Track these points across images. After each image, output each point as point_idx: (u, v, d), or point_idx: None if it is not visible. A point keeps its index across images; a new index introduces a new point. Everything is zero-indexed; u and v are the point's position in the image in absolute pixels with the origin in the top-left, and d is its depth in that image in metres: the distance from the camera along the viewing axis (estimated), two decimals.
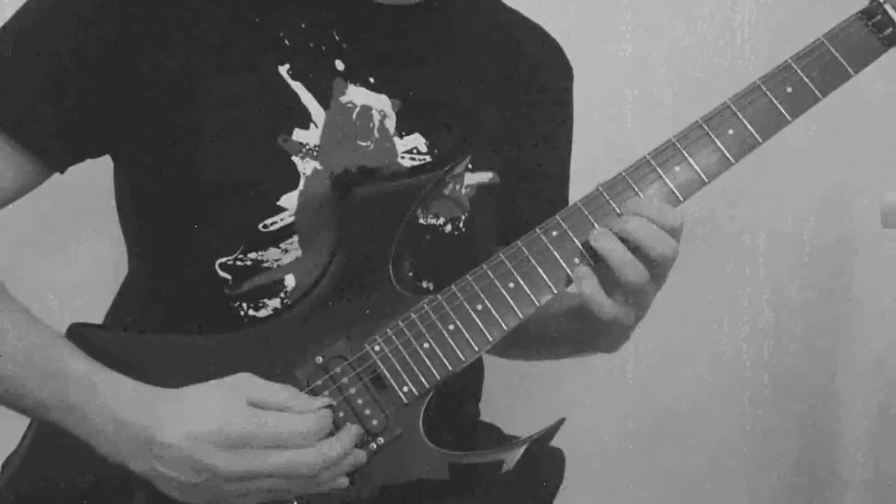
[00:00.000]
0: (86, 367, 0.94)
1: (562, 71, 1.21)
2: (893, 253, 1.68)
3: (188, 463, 0.90)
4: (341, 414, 0.97)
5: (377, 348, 0.98)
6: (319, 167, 1.02)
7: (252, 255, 1.01)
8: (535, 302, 0.98)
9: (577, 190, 1.21)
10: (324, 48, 1.04)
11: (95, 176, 1.10)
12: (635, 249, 0.95)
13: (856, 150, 1.66)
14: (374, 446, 0.97)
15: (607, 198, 0.99)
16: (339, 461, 0.94)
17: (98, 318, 1.11)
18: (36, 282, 1.33)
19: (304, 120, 1.02)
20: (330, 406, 0.95)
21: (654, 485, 1.74)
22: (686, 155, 1.00)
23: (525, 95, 1.15)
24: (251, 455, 0.90)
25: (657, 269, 0.97)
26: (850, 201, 1.70)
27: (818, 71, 1.01)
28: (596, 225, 0.98)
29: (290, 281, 1.02)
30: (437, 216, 1.06)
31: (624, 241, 0.96)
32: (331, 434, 0.94)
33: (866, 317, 1.75)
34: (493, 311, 0.98)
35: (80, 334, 0.98)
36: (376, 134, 1.05)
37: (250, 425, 0.91)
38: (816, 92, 1.01)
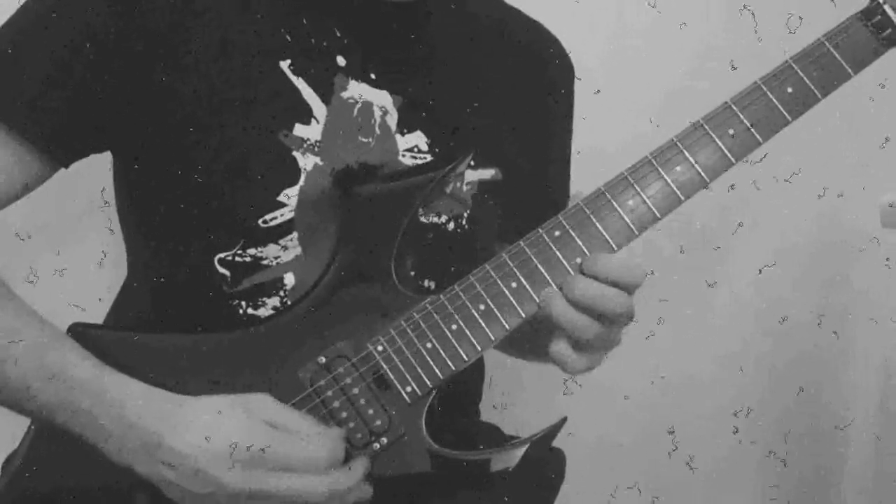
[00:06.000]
0: (93, 369, 0.93)
1: (563, 68, 1.21)
2: (893, 252, 1.68)
3: (196, 474, 0.90)
4: (344, 414, 0.97)
5: (380, 348, 0.98)
6: (320, 163, 1.01)
7: (251, 251, 1.01)
8: (538, 302, 0.99)
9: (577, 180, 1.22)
10: (325, 44, 1.04)
11: (96, 175, 1.10)
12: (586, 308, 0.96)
13: (855, 149, 1.67)
14: (378, 446, 0.97)
15: (609, 197, 0.99)
16: (346, 494, 0.94)
17: (98, 318, 1.10)
18: (36, 281, 1.32)
19: (306, 115, 1.02)
20: (346, 431, 0.96)
21: (655, 485, 1.74)
22: (687, 155, 1.00)
23: (527, 92, 1.15)
24: (261, 475, 0.90)
25: (613, 322, 0.97)
26: (850, 201, 1.70)
27: (818, 71, 1.01)
28: (598, 225, 0.99)
29: (289, 279, 1.01)
30: (438, 214, 1.06)
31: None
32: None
33: (866, 316, 1.76)
34: (496, 311, 0.98)
35: (81, 334, 0.97)
36: (377, 130, 1.05)
37: (265, 444, 0.90)
38: (816, 92, 1.01)
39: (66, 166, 1.03)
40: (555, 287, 0.98)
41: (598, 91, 1.24)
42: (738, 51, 1.58)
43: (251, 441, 0.90)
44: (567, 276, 0.97)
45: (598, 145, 1.24)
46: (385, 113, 1.05)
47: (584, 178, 1.20)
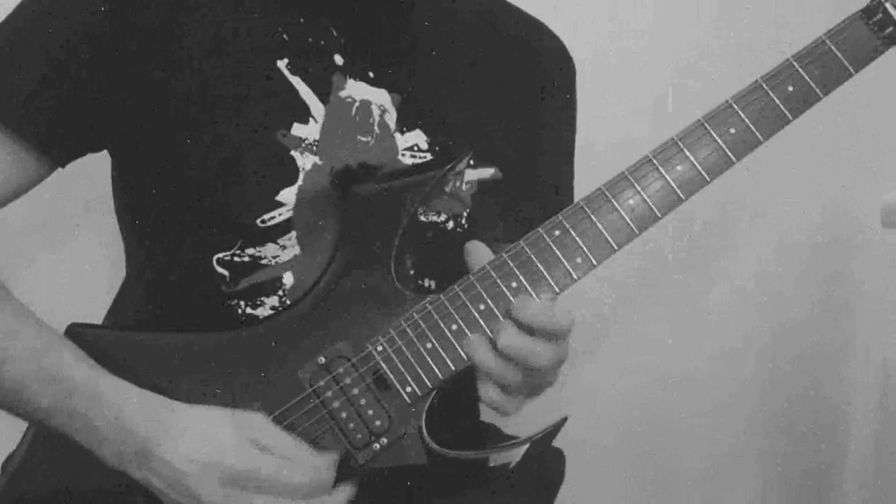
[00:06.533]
0: (90, 373, 0.93)
1: (564, 65, 1.20)
2: (893, 252, 1.68)
3: (178, 484, 0.90)
4: (344, 415, 0.97)
5: (380, 348, 0.98)
6: (319, 162, 1.01)
7: (250, 251, 1.00)
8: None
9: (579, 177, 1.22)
10: (322, 42, 1.04)
11: (95, 176, 1.10)
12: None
13: (856, 149, 1.67)
14: (378, 447, 0.97)
15: (609, 197, 0.99)
16: None
17: (98, 318, 1.10)
18: (35, 282, 1.33)
19: (303, 115, 1.01)
20: (337, 458, 0.95)
21: (655, 484, 1.74)
22: (688, 154, 1.00)
23: (527, 90, 1.15)
24: (239, 495, 0.90)
25: (541, 371, 0.97)
26: (850, 201, 1.70)
27: (819, 70, 1.01)
28: (599, 224, 0.98)
29: (288, 279, 1.01)
30: (438, 213, 1.06)
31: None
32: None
33: (866, 315, 1.76)
34: (496, 311, 0.98)
35: (79, 334, 0.97)
36: (377, 129, 1.05)
37: (249, 465, 0.90)
38: (818, 91, 1.01)
39: (63, 166, 1.03)
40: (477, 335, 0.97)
41: (590, 90, 1.23)
42: (730, 50, 1.59)
43: (237, 460, 0.90)
44: (496, 323, 0.96)
45: (589, 144, 1.24)
46: (384, 112, 1.05)
47: (576, 177, 1.20)
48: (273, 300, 1.01)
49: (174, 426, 0.91)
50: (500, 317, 0.98)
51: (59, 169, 1.03)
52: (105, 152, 1.06)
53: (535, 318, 0.95)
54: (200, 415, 0.93)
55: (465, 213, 1.07)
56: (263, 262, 1.01)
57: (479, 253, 0.99)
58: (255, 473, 0.90)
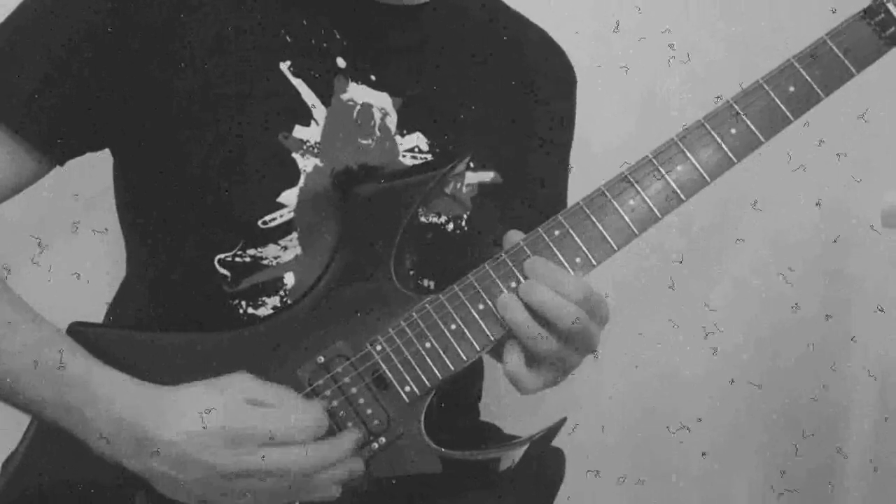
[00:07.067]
0: (84, 365, 0.94)
1: (564, 73, 1.20)
2: (893, 251, 1.68)
3: (186, 460, 0.90)
4: (342, 414, 0.97)
5: (379, 348, 0.98)
6: (320, 164, 1.01)
7: (251, 252, 1.01)
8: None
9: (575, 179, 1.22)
10: (325, 45, 1.04)
11: (95, 173, 1.10)
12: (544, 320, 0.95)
13: (856, 150, 1.66)
14: (376, 446, 0.97)
15: (609, 197, 0.99)
16: (336, 464, 0.94)
17: (98, 316, 1.10)
18: (35, 280, 1.32)
19: (305, 117, 1.01)
20: (328, 405, 0.96)
21: (654, 484, 1.74)
22: (688, 154, 1.00)
23: (527, 96, 1.15)
24: (246, 453, 0.90)
25: (572, 339, 0.96)
26: (851, 200, 1.70)
27: (820, 70, 1.01)
28: (598, 225, 0.98)
29: (289, 279, 1.01)
30: (438, 215, 1.06)
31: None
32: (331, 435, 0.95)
33: (866, 314, 1.75)
34: (495, 311, 0.98)
35: (80, 332, 0.97)
36: (377, 132, 1.05)
37: (249, 422, 0.91)
38: (819, 91, 1.01)
39: (62, 164, 1.03)
40: (510, 293, 0.97)
41: (587, 89, 1.23)
42: (727, 50, 1.58)
43: (233, 420, 0.90)
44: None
45: (584, 143, 1.24)
46: (385, 114, 1.05)
47: (572, 176, 1.20)
48: (274, 300, 1.01)
49: (169, 408, 0.91)
50: (500, 317, 0.98)
51: (58, 167, 1.03)
52: (105, 150, 1.06)
53: (553, 282, 0.95)
54: (187, 391, 0.93)
55: (464, 216, 1.07)
56: (265, 262, 1.01)
57: (511, 242, 0.99)
58: (256, 427, 0.91)
